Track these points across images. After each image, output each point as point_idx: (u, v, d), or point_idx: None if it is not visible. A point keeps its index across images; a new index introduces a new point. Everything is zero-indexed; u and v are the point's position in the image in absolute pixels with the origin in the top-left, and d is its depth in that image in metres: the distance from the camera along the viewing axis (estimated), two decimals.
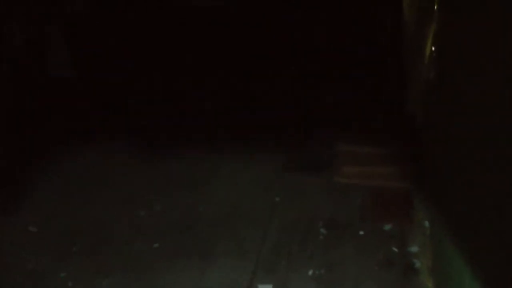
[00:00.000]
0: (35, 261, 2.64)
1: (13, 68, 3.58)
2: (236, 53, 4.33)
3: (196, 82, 4.16)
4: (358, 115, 3.61)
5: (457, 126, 2.16)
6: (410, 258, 2.53)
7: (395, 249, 2.59)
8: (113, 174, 3.28)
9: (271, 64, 4.18)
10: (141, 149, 3.47)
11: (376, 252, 2.57)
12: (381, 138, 3.30)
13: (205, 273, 2.50)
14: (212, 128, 3.66)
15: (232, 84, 4.14)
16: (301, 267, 2.51)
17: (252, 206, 2.96)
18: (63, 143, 3.58)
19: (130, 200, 3.03)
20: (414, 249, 2.57)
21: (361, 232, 2.71)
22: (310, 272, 2.47)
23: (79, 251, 2.71)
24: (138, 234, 2.79)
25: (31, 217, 2.95)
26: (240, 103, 3.92)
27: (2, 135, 3.40)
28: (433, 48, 2.56)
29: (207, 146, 3.48)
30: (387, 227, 2.73)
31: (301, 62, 4.20)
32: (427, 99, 2.74)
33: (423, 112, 2.84)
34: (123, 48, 4.26)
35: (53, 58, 3.93)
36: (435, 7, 2.51)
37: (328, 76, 3.99)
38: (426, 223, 2.60)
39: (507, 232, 1.52)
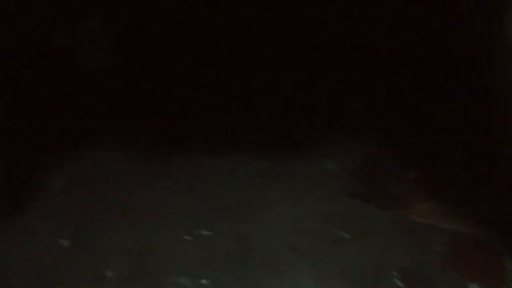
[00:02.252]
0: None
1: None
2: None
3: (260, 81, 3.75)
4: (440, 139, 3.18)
5: None
6: None
7: None
8: (149, 189, 2.91)
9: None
10: (185, 164, 3.09)
11: None
12: (466, 169, 2.88)
13: None
14: (265, 147, 3.26)
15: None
16: None
17: (311, 241, 2.57)
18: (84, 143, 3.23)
19: (173, 221, 2.67)
20: None
21: None
22: None
23: (114, 278, 2.37)
24: (183, 264, 2.43)
25: (56, 228, 2.61)
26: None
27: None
28: None
29: (260, 165, 3.08)
30: (473, 286, 2.33)
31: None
32: None
33: None
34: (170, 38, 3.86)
35: (90, 46, 3.55)
36: None
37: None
38: None
39: None
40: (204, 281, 2.34)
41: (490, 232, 2.58)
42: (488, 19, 2.77)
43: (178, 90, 3.66)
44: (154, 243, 2.54)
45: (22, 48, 3.29)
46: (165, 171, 2.99)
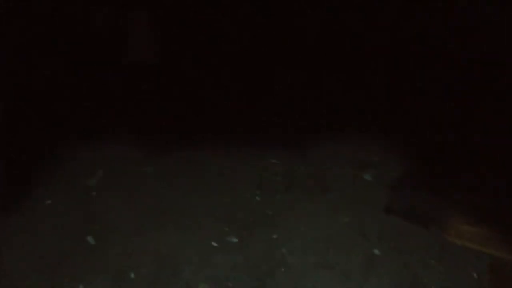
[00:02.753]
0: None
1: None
2: None
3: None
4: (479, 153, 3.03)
5: None
6: None
7: None
8: (174, 188, 2.84)
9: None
10: (210, 166, 3.02)
11: None
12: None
13: None
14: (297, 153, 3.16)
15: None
16: None
17: (343, 257, 2.46)
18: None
19: (201, 226, 2.59)
20: None
21: None
22: None
23: (138, 280, 2.30)
24: (208, 270, 2.35)
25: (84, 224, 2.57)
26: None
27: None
28: None
29: (293, 172, 2.98)
30: None
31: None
32: None
33: None
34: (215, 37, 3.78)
35: (135, 42, 3.49)
36: None
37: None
38: None
39: None
40: None
41: None
42: None
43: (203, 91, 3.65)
44: (180, 248, 2.46)
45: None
46: (191, 174, 2.94)
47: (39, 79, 3.25)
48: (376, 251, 2.48)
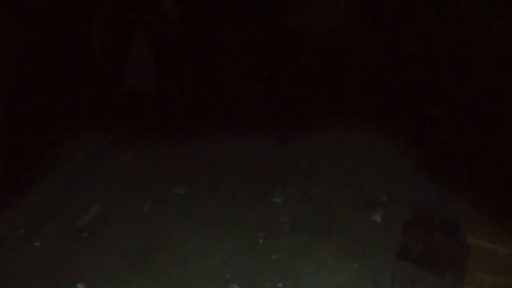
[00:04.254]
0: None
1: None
2: None
3: None
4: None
5: None
6: None
7: None
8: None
9: None
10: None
11: None
12: None
13: None
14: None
15: None
16: None
17: None
18: None
19: (197, 271, 2.41)
20: None
21: None
22: None
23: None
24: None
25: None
26: None
27: None
28: None
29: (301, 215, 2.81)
30: None
31: None
32: None
33: None
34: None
35: (132, 69, 3.35)
36: None
37: None
38: None
39: None
40: None
41: None
42: None
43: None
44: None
45: None
46: (189, 215, 2.77)
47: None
48: None
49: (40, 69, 3.16)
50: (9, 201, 2.76)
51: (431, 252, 2.53)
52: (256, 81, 3.62)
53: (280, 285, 2.36)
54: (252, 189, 2.92)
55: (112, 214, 2.73)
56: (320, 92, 3.66)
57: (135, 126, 3.41)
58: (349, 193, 2.93)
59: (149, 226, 2.66)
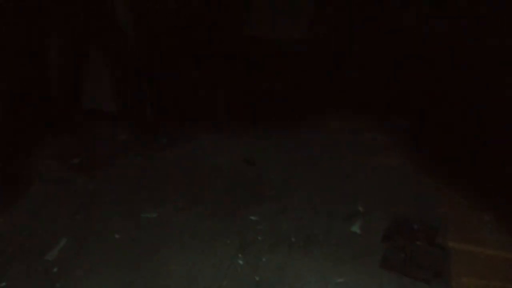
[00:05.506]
0: None
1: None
2: None
3: None
4: None
5: None
6: None
7: None
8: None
9: None
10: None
11: None
12: None
13: None
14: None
15: None
16: None
17: None
18: None
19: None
20: None
21: None
22: None
23: None
24: None
25: None
26: None
27: None
28: None
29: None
30: None
31: None
32: None
33: None
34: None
35: (90, 86, 3.20)
36: None
37: None
38: None
39: None
40: None
41: None
42: None
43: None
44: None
45: None
46: (165, 238, 2.65)
47: None
48: None
49: None
50: None
51: (414, 260, 2.50)
52: (223, 94, 3.54)
53: None
54: (227, 208, 2.83)
55: (84, 244, 2.59)
56: (288, 104, 3.62)
57: (99, 148, 3.27)
58: (324, 205, 2.87)
59: (124, 253, 2.53)
